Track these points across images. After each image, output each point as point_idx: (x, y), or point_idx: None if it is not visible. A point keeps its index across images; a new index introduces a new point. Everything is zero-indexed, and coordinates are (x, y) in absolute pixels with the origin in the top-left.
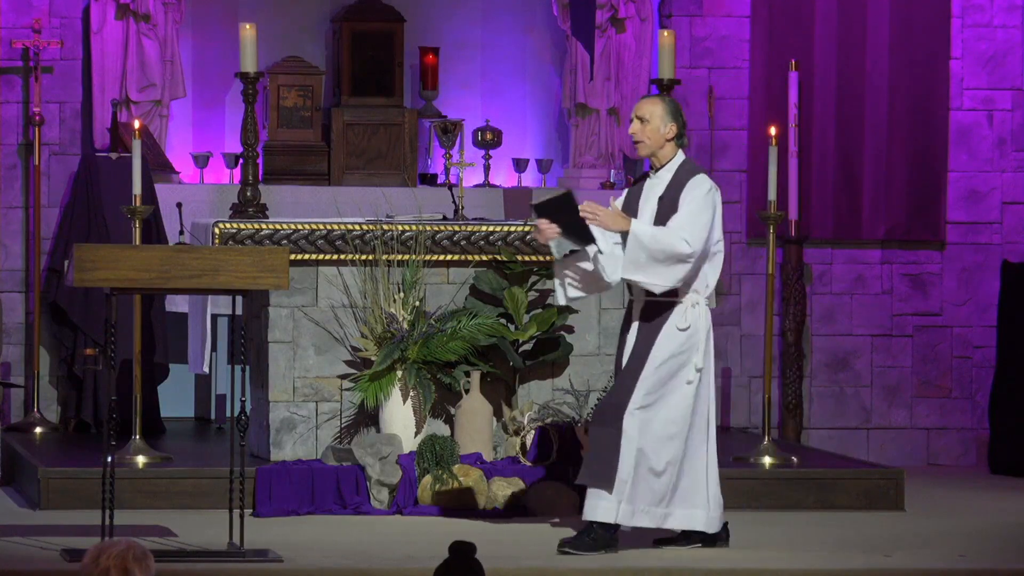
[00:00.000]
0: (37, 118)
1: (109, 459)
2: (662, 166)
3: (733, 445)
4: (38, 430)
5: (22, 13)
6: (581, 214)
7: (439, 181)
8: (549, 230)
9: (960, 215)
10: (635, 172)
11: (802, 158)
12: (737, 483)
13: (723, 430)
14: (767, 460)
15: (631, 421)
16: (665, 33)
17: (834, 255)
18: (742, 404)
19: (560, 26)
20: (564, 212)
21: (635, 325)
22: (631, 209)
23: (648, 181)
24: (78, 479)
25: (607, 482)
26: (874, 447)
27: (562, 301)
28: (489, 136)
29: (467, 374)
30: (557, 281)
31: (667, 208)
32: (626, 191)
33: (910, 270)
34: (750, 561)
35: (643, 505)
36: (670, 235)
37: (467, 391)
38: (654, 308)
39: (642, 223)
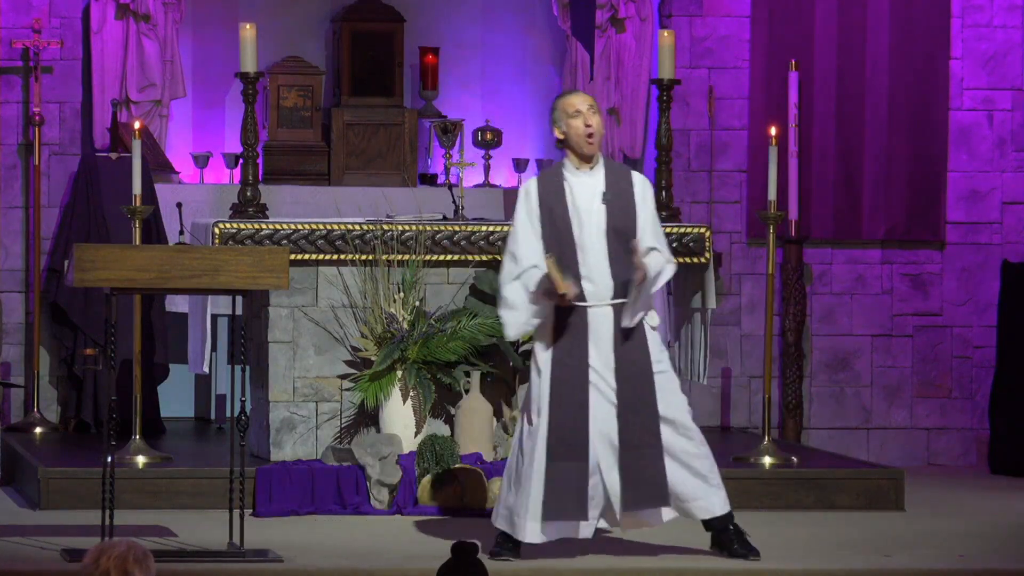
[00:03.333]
0: (37, 118)
1: (109, 459)
2: (592, 166)
3: (733, 445)
4: (38, 430)
5: (22, 13)
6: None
7: (439, 181)
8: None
9: (960, 215)
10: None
11: (802, 158)
12: (737, 483)
13: (723, 430)
14: (767, 460)
15: (665, 433)
16: (665, 33)
17: (834, 255)
18: (742, 404)
19: (560, 26)
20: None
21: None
22: (556, 212)
23: (572, 179)
24: (78, 479)
25: (665, 499)
26: (874, 447)
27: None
28: (489, 136)
29: (467, 374)
30: (533, 321)
31: (618, 208)
32: (533, 194)
33: (910, 270)
34: (750, 561)
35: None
36: (664, 270)
37: (467, 391)
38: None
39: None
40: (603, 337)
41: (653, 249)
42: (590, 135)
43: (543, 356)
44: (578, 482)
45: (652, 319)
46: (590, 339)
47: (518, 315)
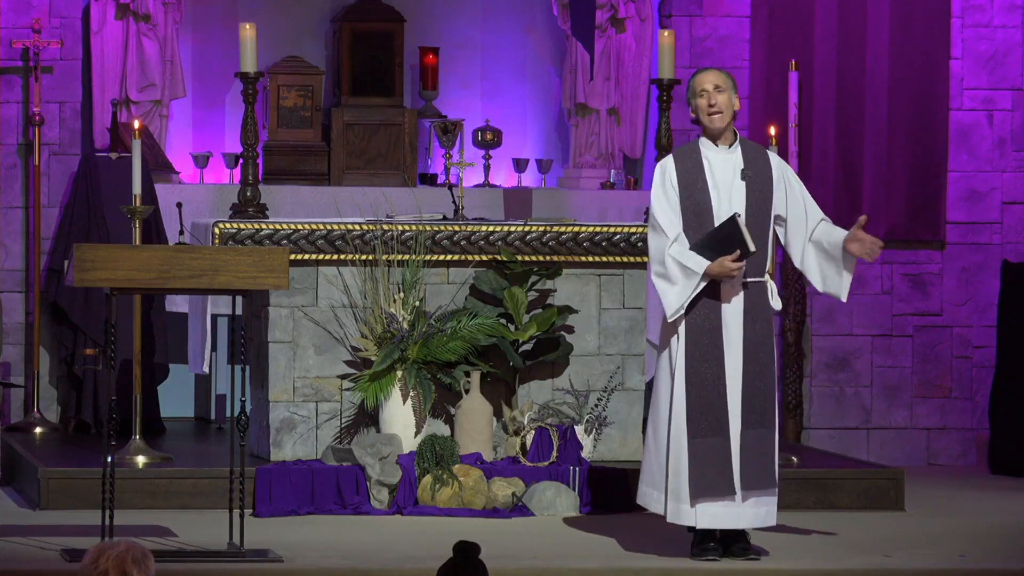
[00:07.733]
0: (37, 118)
1: (109, 459)
2: (730, 143)
3: None
4: (38, 430)
5: (22, 13)
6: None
7: (439, 181)
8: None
9: (960, 215)
10: (635, 172)
11: (802, 158)
12: None
13: None
14: None
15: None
16: (665, 33)
17: None
18: None
19: (560, 26)
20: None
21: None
22: (696, 187)
23: (711, 155)
24: (78, 479)
25: (773, 483)
26: (874, 447)
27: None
28: (489, 136)
29: (467, 374)
30: (691, 294)
31: (756, 186)
32: (670, 170)
33: (910, 270)
34: (750, 561)
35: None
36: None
37: (467, 391)
38: (756, 289)
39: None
40: (734, 314)
41: (824, 220)
42: (712, 113)
43: (677, 332)
44: (722, 458)
45: (776, 302)
46: (723, 315)
47: (679, 289)
